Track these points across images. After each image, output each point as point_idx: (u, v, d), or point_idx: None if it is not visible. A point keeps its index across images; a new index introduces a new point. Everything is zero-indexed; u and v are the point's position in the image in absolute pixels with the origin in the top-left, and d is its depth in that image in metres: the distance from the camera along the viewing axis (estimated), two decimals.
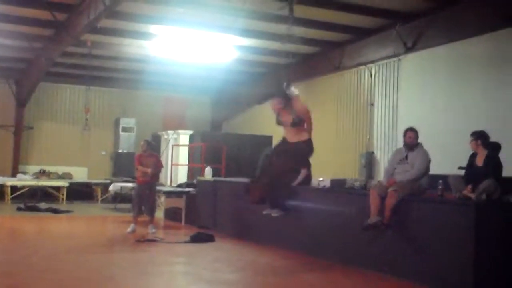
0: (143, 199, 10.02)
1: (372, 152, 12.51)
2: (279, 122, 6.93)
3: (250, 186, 7.01)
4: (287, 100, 6.72)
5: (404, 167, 6.95)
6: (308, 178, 8.84)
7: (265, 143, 13.96)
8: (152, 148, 10.47)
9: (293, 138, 6.85)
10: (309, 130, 7.04)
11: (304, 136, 6.89)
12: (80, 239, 9.27)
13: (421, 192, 6.83)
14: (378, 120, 12.54)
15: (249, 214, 9.52)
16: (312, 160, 7.59)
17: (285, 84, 6.98)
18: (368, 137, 12.65)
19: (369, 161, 12.38)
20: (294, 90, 6.93)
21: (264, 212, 7.91)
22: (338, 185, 8.02)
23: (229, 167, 14.09)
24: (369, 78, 12.82)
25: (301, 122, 6.86)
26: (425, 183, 6.92)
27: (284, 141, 6.93)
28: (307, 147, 6.98)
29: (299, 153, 6.94)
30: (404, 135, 7.09)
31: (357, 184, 7.79)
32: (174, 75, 16.95)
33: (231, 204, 10.22)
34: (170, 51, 13.40)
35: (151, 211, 10.13)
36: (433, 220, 6.31)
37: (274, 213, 7.62)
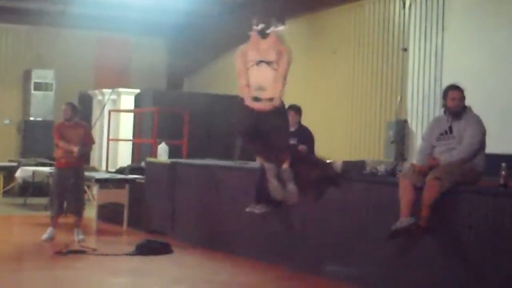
0: (66, 190, 10.02)
1: (405, 121, 12.55)
2: None
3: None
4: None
5: (447, 143, 6.99)
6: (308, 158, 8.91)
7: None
8: (79, 115, 10.44)
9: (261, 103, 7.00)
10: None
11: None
12: None
13: (474, 179, 6.89)
14: (413, 73, 12.56)
15: (221, 213, 9.58)
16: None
17: (274, 19, 7.06)
18: (399, 98, 12.68)
19: (400, 134, 12.42)
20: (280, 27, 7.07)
21: (248, 209, 7.98)
22: (353, 169, 8.05)
23: (194, 144, 14.08)
24: (402, 12, 12.81)
25: None
26: (481, 166, 6.97)
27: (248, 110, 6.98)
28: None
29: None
30: (444, 96, 7.12)
31: (381, 168, 7.83)
32: (112, 6, 16.81)
33: (196, 198, 10.24)
34: None
35: (78, 209, 10.14)
36: (493, 220, 6.39)
37: (258, 210, 7.65)
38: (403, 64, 12.74)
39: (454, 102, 7.03)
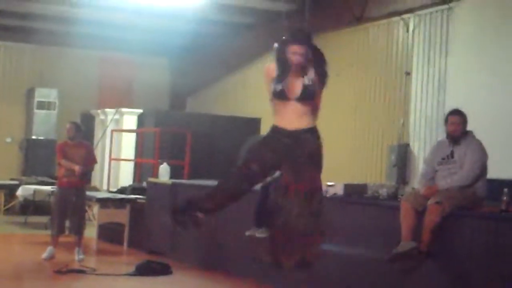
0: (67, 209, 10.05)
1: (407, 145, 12.57)
2: (280, 94, 5.79)
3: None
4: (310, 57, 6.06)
5: (449, 167, 7.01)
6: None
7: (250, 130, 13.96)
8: (82, 135, 10.50)
9: (293, 122, 6.11)
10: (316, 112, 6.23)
11: (307, 121, 6.03)
12: None
13: (475, 203, 6.90)
14: (416, 97, 12.59)
15: (221, 234, 9.59)
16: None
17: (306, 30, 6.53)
18: (401, 122, 12.70)
19: (402, 158, 12.42)
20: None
21: (248, 233, 7.95)
22: (355, 192, 8.08)
23: (196, 164, 14.08)
24: (405, 35, 12.86)
25: (314, 93, 5.98)
26: (482, 191, 6.98)
27: (277, 131, 5.85)
28: (316, 143, 6.05)
29: (314, 154, 5.98)
30: (446, 121, 7.16)
31: (383, 191, 7.83)
32: (115, 26, 16.89)
33: None
34: None
35: (79, 228, 10.15)
36: (494, 245, 6.38)
37: (260, 233, 7.61)
38: (406, 87, 12.78)
39: (453, 127, 7.07)
